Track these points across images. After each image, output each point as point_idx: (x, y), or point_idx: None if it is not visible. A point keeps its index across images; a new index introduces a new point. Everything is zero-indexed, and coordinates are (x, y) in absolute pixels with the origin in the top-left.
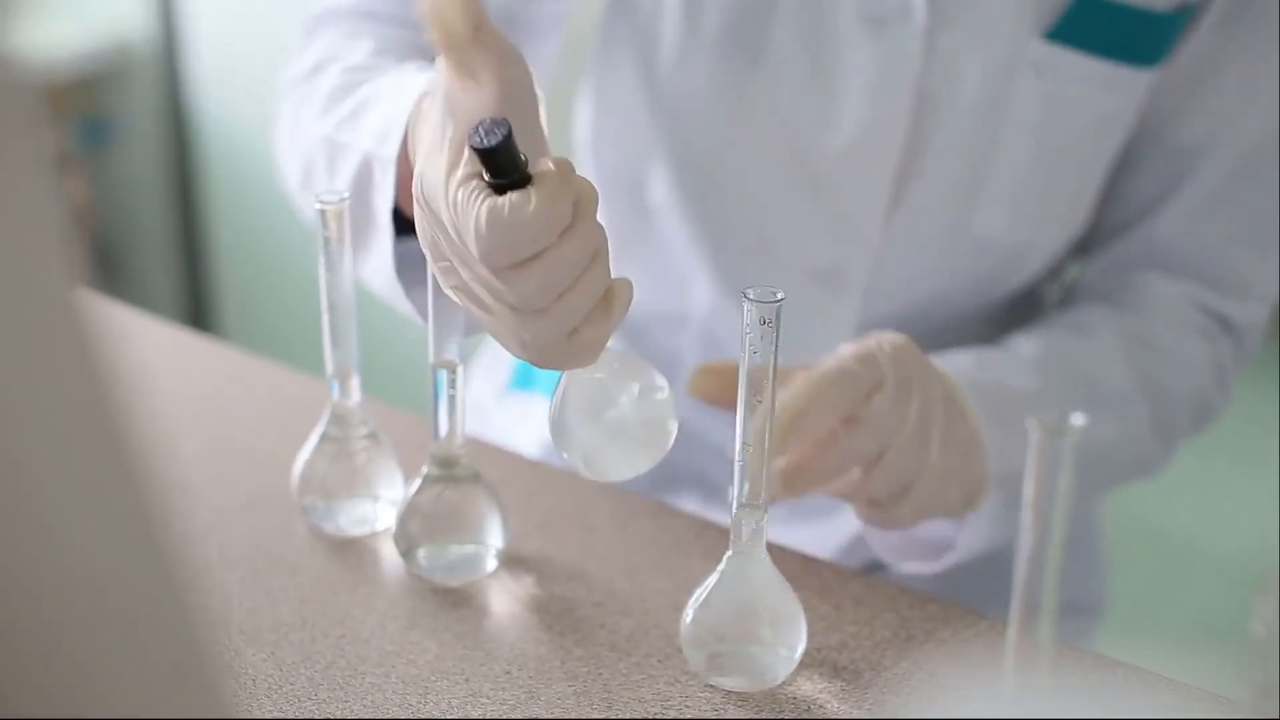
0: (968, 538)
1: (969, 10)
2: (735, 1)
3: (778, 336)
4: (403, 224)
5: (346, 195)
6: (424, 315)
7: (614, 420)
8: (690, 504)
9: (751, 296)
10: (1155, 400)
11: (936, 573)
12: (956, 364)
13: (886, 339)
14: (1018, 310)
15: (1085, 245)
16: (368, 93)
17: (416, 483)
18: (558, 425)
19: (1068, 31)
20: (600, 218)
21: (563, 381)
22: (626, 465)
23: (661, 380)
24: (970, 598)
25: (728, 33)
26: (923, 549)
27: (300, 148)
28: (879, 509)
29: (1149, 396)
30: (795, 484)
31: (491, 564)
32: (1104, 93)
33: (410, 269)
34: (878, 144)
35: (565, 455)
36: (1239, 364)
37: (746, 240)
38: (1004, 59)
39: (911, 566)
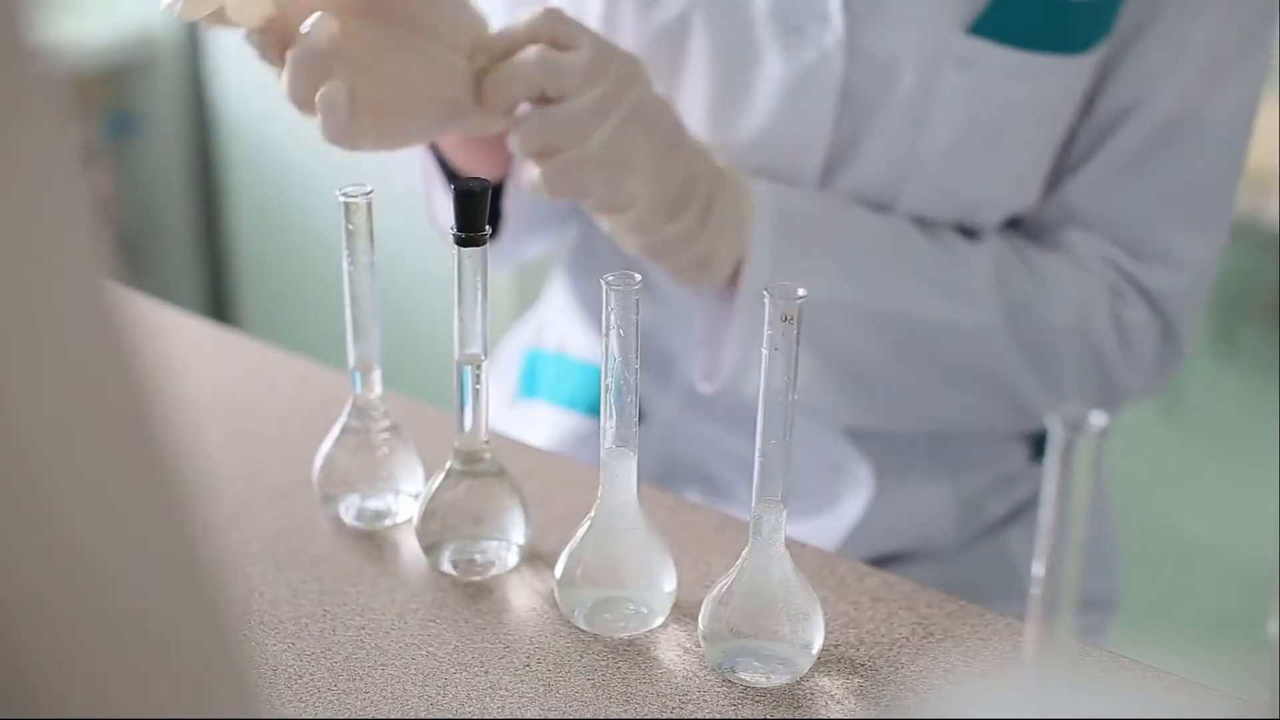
0: (732, 349)
1: (887, 10)
2: (651, 19)
3: (798, 333)
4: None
5: (370, 189)
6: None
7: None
8: (691, 499)
9: (772, 293)
10: (1014, 315)
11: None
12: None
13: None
14: None
15: None
16: None
17: (440, 477)
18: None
19: (990, 25)
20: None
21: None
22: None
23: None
24: (980, 596)
25: (645, 50)
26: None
27: None
28: (542, 156)
29: (1008, 309)
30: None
31: (513, 558)
32: (1033, 83)
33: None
34: (801, 151)
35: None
36: (1169, 340)
37: None
38: (926, 56)
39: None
